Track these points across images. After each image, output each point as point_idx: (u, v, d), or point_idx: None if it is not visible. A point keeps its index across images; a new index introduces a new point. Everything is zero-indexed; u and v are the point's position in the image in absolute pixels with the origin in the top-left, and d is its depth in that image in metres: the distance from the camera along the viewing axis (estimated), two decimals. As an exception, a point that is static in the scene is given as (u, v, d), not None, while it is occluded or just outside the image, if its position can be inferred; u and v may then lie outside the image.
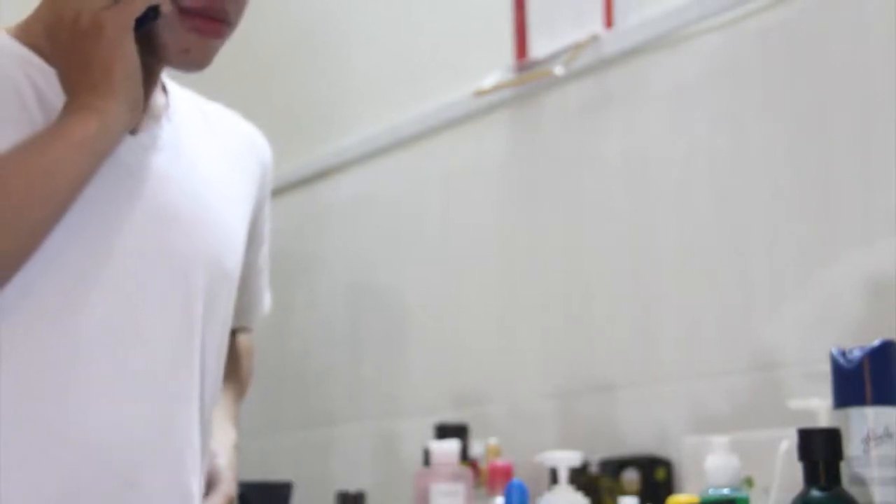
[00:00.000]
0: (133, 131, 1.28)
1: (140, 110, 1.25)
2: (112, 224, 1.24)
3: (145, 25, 1.23)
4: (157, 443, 1.26)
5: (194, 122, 1.39)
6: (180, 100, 1.39)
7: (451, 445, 1.78)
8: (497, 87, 2.30)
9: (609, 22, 2.14)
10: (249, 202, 1.44)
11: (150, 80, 1.28)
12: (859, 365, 1.27)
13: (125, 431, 1.23)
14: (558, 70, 2.17)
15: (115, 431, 1.22)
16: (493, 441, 2.06)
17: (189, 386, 1.29)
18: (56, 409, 1.20)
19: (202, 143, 1.38)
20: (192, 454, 1.30)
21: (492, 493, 1.88)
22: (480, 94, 2.32)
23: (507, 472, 1.89)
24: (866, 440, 1.24)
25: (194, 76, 1.33)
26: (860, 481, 1.24)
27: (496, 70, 2.32)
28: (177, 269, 1.29)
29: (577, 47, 2.16)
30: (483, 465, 2.02)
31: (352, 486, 2.22)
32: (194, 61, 1.29)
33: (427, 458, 1.91)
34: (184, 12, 1.25)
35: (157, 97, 1.34)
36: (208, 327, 1.32)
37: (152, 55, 1.26)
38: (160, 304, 1.27)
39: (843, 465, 1.21)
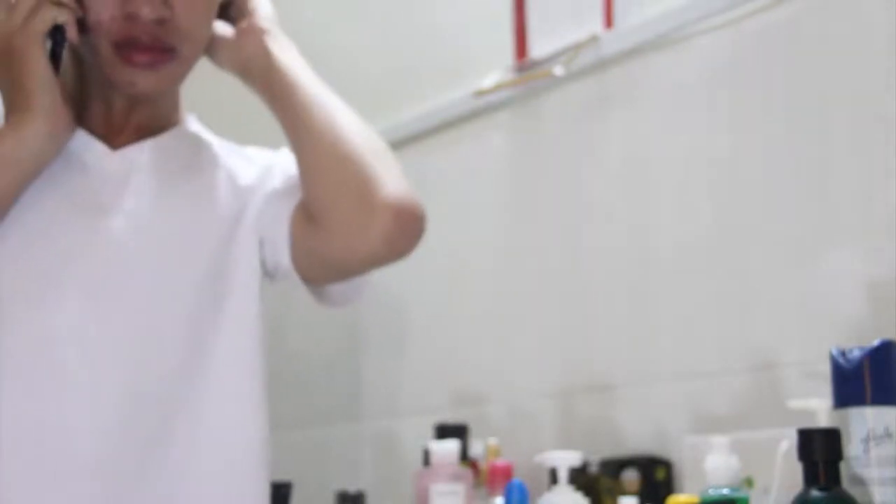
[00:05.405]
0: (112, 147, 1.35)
1: (62, 119, 1.29)
2: (48, 220, 1.30)
3: (59, 46, 1.29)
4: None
5: (185, 156, 1.41)
6: (187, 138, 1.42)
7: (451, 445, 1.78)
8: (497, 87, 2.30)
9: (609, 22, 2.14)
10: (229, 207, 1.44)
11: (124, 106, 1.35)
12: (859, 365, 1.27)
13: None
14: (558, 70, 2.17)
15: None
16: (492, 441, 2.06)
17: (106, 381, 1.30)
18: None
19: (182, 172, 1.40)
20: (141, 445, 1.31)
21: (492, 493, 1.88)
22: (480, 94, 2.31)
23: (507, 472, 1.89)
24: (866, 440, 1.24)
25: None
26: (860, 481, 1.24)
27: (496, 70, 2.32)
28: (83, 269, 1.31)
29: (577, 47, 2.16)
30: (483, 465, 2.02)
31: (351, 486, 2.22)
32: (146, 90, 1.34)
33: (427, 458, 1.91)
34: (116, 46, 1.31)
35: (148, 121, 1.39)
36: (126, 318, 1.33)
37: (110, 88, 1.34)
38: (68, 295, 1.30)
39: (843, 465, 1.21)
